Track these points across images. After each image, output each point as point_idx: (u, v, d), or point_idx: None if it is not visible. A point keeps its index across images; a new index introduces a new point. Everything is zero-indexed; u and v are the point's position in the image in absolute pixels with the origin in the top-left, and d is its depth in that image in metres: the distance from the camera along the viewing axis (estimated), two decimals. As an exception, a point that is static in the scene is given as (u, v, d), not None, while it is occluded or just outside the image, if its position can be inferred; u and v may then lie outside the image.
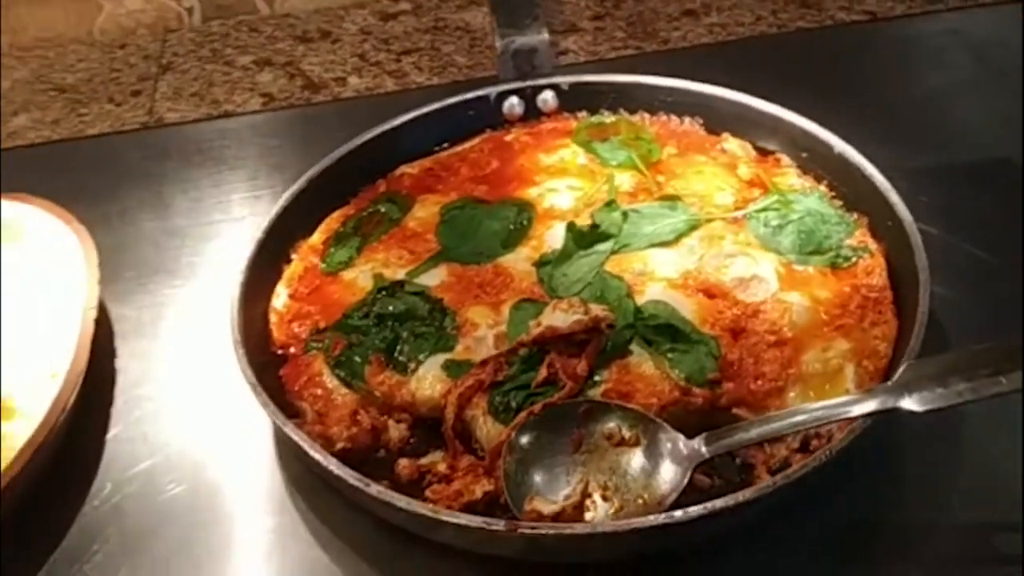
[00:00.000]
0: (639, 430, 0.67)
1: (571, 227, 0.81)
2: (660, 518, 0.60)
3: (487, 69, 1.07)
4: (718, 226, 0.81)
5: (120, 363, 0.81)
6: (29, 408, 0.75)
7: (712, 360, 0.71)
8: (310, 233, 0.85)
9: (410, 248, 0.82)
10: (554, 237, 0.81)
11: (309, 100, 1.07)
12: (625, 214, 0.82)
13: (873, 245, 0.78)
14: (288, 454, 0.73)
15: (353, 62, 1.11)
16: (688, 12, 1.13)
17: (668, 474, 0.65)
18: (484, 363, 0.72)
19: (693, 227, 0.81)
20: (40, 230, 0.85)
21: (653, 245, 0.80)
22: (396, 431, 0.72)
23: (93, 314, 0.77)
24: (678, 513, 0.60)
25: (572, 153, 0.89)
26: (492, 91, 0.93)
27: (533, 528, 0.61)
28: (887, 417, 0.63)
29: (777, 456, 0.67)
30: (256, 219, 0.91)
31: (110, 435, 0.76)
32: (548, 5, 1.07)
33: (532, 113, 0.94)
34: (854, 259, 0.77)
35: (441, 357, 0.73)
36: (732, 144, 0.89)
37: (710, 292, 0.76)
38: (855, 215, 0.81)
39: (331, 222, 0.86)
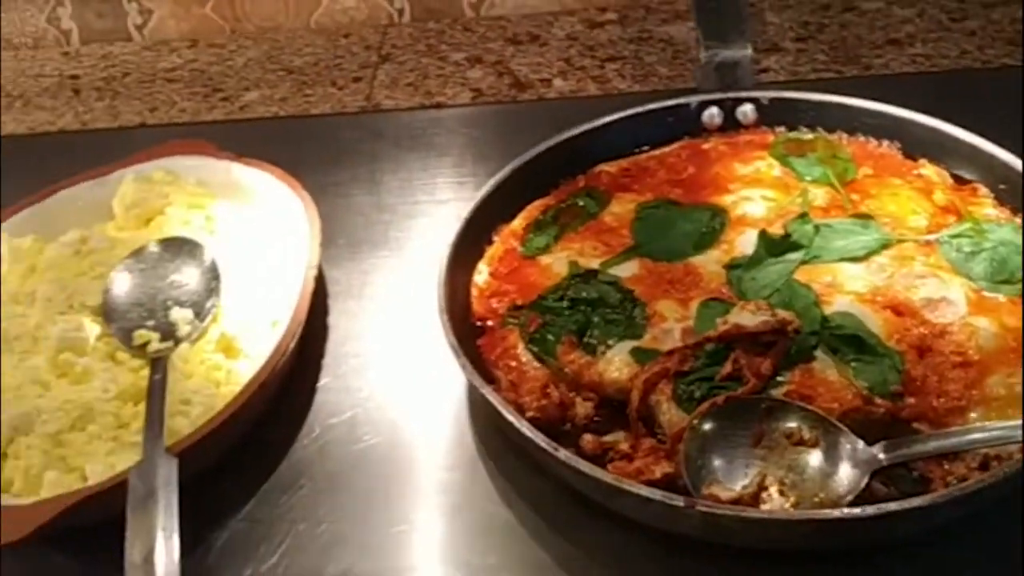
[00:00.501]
0: (819, 432, 0.69)
1: (763, 235, 0.84)
2: (838, 512, 0.63)
3: (686, 81, 1.11)
4: (909, 247, 0.82)
5: (331, 320, 0.88)
6: (251, 350, 0.83)
7: (896, 374, 0.73)
8: (511, 218, 0.90)
9: (605, 241, 0.87)
10: (745, 243, 0.84)
11: (515, 98, 1.13)
12: (817, 227, 0.84)
13: (1066, 280, 0.78)
14: (480, 417, 0.79)
15: (559, 65, 1.16)
16: (892, 41, 1.14)
17: (846, 476, 0.67)
18: (671, 353, 0.75)
19: (884, 246, 0.82)
20: (270, 194, 0.93)
21: (843, 259, 0.82)
22: (583, 408, 0.76)
23: (313, 272, 0.84)
24: (857, 510, 0.62)
25: (768, 165, 0.92)
26: (693, 100, 0.97)
27: (711, 507, 0.64)
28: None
29: (955, 473, 0.68)
30: (459, 203, 0.97)
31: (320, 384, 0.83)
32: (753, 24, 1.10)
33: (730, 124, 0.97)
34: (1046, 291, 0.78)
35: (629, 343, 0.77)
36: (929, 170, 0.90)
37: (898, 309, 0.77)
38: (1050, 249, 0.81)
39: (532, 210, 0.91)
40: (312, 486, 0.76)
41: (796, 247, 0.83)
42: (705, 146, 0.96)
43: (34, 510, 0.69)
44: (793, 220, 0.85)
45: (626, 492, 0.66)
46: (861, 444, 0.68)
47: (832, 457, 0.68)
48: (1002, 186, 0.87)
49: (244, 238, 0.91)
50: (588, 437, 0.74)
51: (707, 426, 0.70)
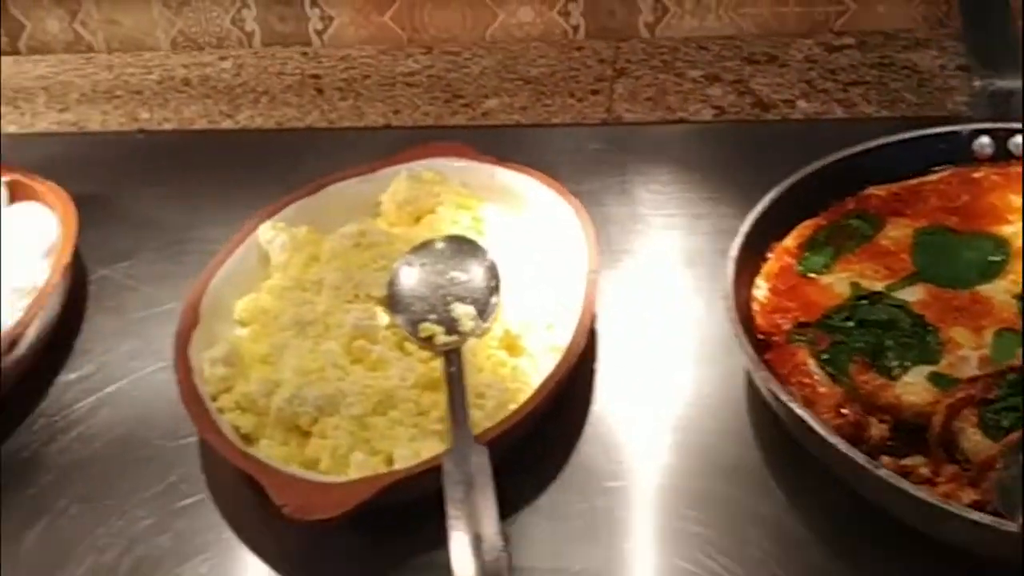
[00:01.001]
0: None
1: (1057, 268, 0.83)
2: None
3: (935, 108, 1.10)
4: None
5: (600, 327, 0.89)
6: (531, 349, 0.84)
7: None
8: (782, 236, 0.90)
9: (885, 264, 0.86)
10: (1034, 275, 0.83)
11: (759, 117, 1.13)
12: (1109, 263, 0.83)
13: None
14: (766, 429, 0.79)
15: (801, 87, 1.16)
16: None
17: None
18: (974, 380, 0.75)
19: None
20: (536, 198, 0.96)
21: None
22: (877, 429, 0.76)
23: (596, 276, 0.86)
24: None
25: (1046, 198, 0.91)
26: (965, 128, 0.96)
27: (1047, 536, 0.64)
28: None
29: None
30: (714, 218, 0.99)
31: (597, 380, 0.85)
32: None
33: (1001, 154, 0.96)
34: None
35: (926, 368, 0.77)
36: None
37: None
38: None
39: (803, 229, 0.91)
40: (596, 485, 0.77)
41: (1092, 282, 0.81)
42: (976, 175, 0.94)
43: (352, 488, 0.72)
44: (1084, 254, 0.84)
45: (954, 516, 0.65)
46: None
47: None
48: None
49: (513, 240, 0.93)
50: (886, 459, 0.73)
51: (1020, 456, 0.69)
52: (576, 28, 1.30)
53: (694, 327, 0.89)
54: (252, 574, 0.76)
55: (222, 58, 1.35)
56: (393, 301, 0.87)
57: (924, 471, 0.73)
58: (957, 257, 0.86)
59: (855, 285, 0.85)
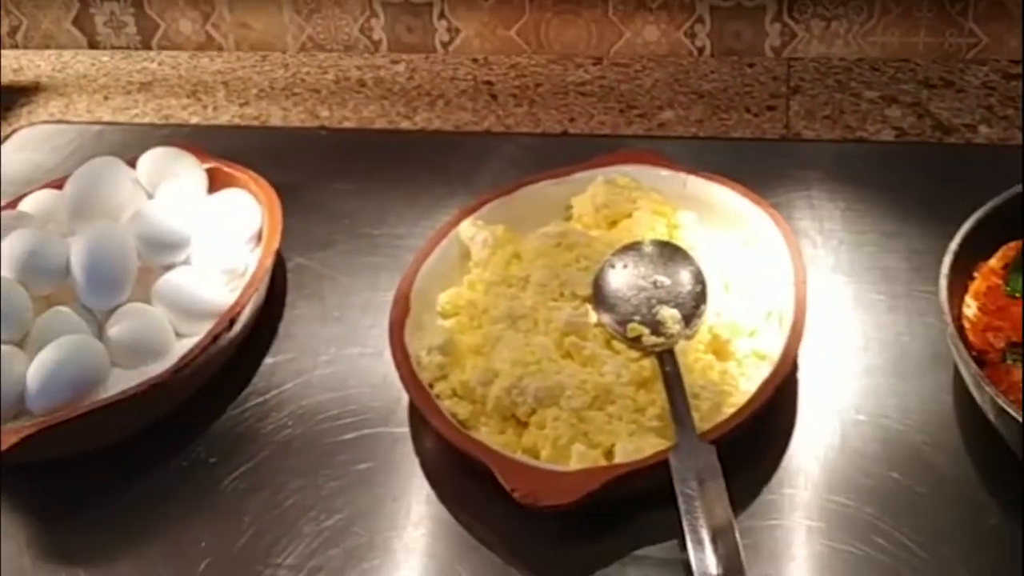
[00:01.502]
0: None
1: None
2: None
3: (1124, 138, 1.10)
4: None
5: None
6: (738, 354, 0.86)
7: None
8: (987, 257, 0.91)
9: (1100, 289, 0.87)
10: None
11: (941, 139, 1.13)
12: None
13: None
14: (979, 444, 0.79)
15: (980, 112, 1.16)
16: None
17: None
18: None
19: None
20: (734, 209, 0.97)
21: None
22: (1099, 450, 0.76)
23: (804, 286, 0.87)
24: None
25: None
26: None
27: None
28: None
29: None
30: (906, 237, 0.99)
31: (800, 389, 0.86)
32: None
33: None
34: None
35: None
36: None
37: None
38: None
39: (1007, 250, 0.91)
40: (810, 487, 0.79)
41: None
42: None
43: (579, 478, 0.74)
44: None
45: None
46: None
47: None
48: None
49: (711, 247, 0.95)
50: (1111, 480, 0.74)
51: None
52: (701, 49, 1.31)
53: (893, 342, 0.89)
54: (467, 551, 0.78)
55: (394, 61, 1.39)
56: (600, 300, 0.89)
57: None
58: None
59: (1077, 306, 0.85)
